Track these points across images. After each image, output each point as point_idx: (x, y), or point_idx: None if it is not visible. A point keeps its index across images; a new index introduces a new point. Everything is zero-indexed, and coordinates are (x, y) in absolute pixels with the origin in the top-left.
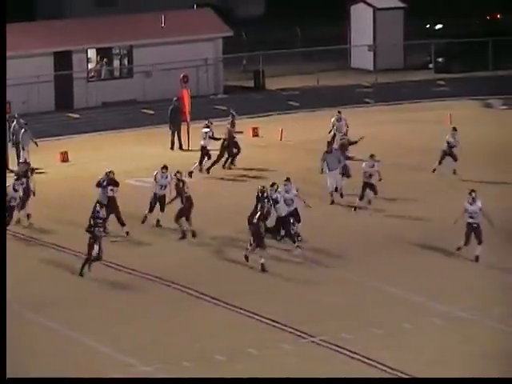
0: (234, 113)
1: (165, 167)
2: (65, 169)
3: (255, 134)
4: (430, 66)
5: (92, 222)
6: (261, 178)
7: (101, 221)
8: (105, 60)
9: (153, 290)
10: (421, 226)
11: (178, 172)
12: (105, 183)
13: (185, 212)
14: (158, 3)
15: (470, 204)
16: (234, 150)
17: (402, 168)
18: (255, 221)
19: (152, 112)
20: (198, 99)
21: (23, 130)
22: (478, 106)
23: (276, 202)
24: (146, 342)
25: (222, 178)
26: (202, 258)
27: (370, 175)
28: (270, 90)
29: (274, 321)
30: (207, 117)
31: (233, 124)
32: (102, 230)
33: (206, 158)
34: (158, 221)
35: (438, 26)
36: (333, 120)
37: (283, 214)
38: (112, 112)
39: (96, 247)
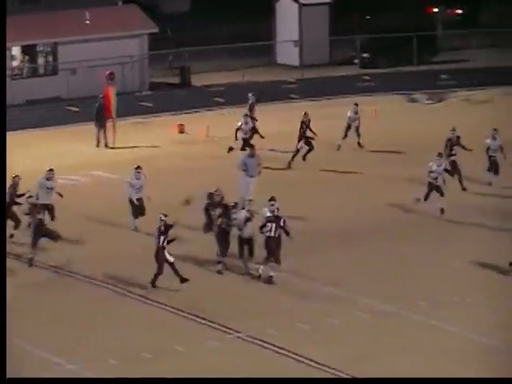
0: (251, 96)
1: (139, 167)
2: None
3: (181, 131)
4: (356, 61)
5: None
6: (183, 176)
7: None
8: (27, 57)
9: (78, 288)
10: (346, 221)
11: (30, 196)
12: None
13: (39, 236)
14: (82, 0)
15: None
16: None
17: (328, 163)
18: (272, 235)
19: (77, 109)
20: (123, 96)
21: None
22: (402, 101)
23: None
24: (72, 341)
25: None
26: (128, 254)
27: (436, 177)
28: (196, 86)
29: (201, 317)
30: (133, 113)
31: (252, 108)
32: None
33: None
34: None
35: None
36: (349, 113)
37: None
38: (37, 110)
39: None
